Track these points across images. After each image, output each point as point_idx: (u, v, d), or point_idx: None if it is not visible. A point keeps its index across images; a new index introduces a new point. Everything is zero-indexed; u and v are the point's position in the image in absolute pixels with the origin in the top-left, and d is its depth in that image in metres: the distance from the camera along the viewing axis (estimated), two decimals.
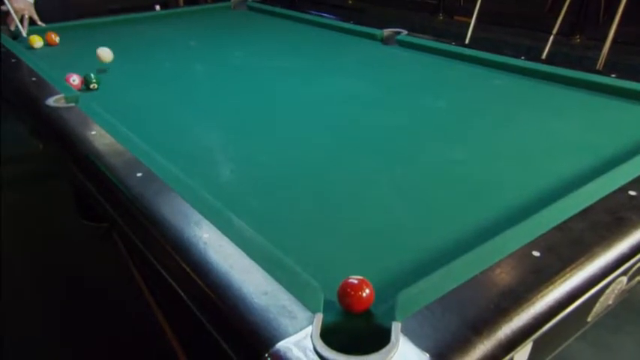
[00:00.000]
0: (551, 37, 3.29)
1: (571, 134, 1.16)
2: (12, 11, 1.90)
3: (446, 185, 0.96)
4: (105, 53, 1.61)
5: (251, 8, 2.65)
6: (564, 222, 0.74)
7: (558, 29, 3.36)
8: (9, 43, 1.74)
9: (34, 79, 1.37)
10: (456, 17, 4.44)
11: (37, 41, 1.80)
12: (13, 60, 1.53)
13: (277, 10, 2.52)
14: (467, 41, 3.18)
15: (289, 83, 1.58)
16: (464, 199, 0.90)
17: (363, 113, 1.33)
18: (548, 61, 1.60)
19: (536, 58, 1.64)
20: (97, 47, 1.62)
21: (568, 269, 0.65)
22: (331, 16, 2.36)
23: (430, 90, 1.49)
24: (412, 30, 2.00)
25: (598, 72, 1.45)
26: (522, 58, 1.58)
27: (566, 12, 3.39)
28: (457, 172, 1.01)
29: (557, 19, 3.36)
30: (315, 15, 2.38)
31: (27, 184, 2.58)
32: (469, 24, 3.61)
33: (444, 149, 1.11)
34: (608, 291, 0.71)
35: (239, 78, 1.63)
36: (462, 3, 4.91)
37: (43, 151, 1.31)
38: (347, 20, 2.24)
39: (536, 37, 3.61)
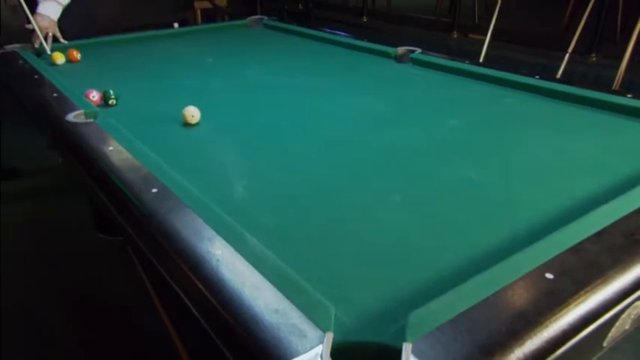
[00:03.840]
0: (567, 56, 3.28)
1: (586, 154, 1.15)
2: (37, 29, 1.96)
3: (459, 204, 0.96)
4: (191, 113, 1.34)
5: (267, 26, 2.69)
6: (579, 244, 0.73)
7: (574, 47, 3.35)
8: (33, 60, 1.79)
9: (55, 94, 1.41)
10: (470, 35, 4.46)
11: (60, 58, 1.86)
12: (36, 76, 1.58)
13: (293, 27, 2.56)
14: (481, 60, 3.19)
15: (303, 100, 1.59)
16: (477, 219, 0.90)
17: (377, 131, 1.34)
18: (564, 79, 1.60)
19: (551, 77, 1.64)
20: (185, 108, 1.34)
21: (582, 292, 0.64)
22: (346, 34, 2.39)
23: (444, 108, 1.50)
24: (426, 48, 2.01)
25: (614, 92, 1.44)
26: (536, 77, 1.58)
27: (583, 30, 3.38)
28: (470, 191, 1.01)
29: (573, 37, 3.35)
30: (330, 33, 2.41)
31: (46, 196, 2.63)
32: (484, 42, 3.61)
33: (457, 168, 1.11)
34: (624, 315, 0.70)
35: (255, 95, 1.65)
36: (476, 21, 4.92)
37: (63, 164, 1.34)
38: (361, 38, 2.27)
39: (551, 56, 3.61)
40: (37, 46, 1.99)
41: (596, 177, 1.02)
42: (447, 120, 1.40)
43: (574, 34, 3.37)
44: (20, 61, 1.75)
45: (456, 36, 4.53)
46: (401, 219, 0.91)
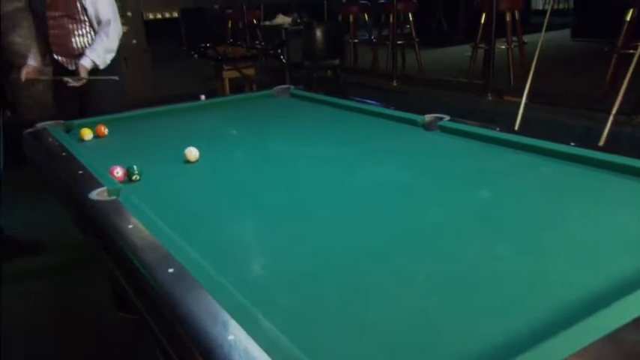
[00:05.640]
0: (611, 117, 3.28)
1: (628, 229, 1.14)
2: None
3: (487, 284, 0.96)
4: (192, 154, 1.74)
5: (294, 95, 2.83)
6: (616, 331, 0.72)
7: (618, 108, 3.35)
8: (62, 137, 1.94)
9: (80, 172, 1.51)
10: (505, 97, 4.53)
11: (87, 134, 2.01)
12: (63, 153, 1.71)
13: (319, 96, 2.69)
14: (516, 126, 3.22)
15: (327, 172, 1.65)
16: (505, 301, 0.89)
17: (401, 204, 1.37)
18: (605, 146, 1.60)
19: (590, 144, 1.64)
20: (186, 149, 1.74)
21: None
22: (373, 102, 2.48)
23: (473, 179, 1.52)
24: (460, 112, 2.06)
25: None
26: (572, 144, 1.59)
27: (627, 89, 3.39)
28: (499, 269, 1.01)
29: (617, 97, 3.36)
30: (357, 101, 2.52)
31: (67, 271, 2.72)
32: (520, 104, 3.67)
33: (487, 244, 1.12)
34: None
35: (278, 167, 1.72)
36: (511, 82, 5.02)
37: (85, 240, 1.42)
38: (388, 106, 2.35)
39: (595, 117, 3.61)
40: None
41: (638, 255, 1.01)
42: (477, 191, 1.42)
43: (617, 93, 3.39)
44: (50, 139, 1.90)
45: (490, 98, 4.61)
46: (424, 300, 0.92)
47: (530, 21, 8.47)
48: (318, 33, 5.52)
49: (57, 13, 2.71)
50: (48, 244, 2.91)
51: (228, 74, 5.05)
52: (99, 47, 2.72)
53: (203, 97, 2.73)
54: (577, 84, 4.92)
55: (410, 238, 1.17)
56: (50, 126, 2.08)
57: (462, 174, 1.57)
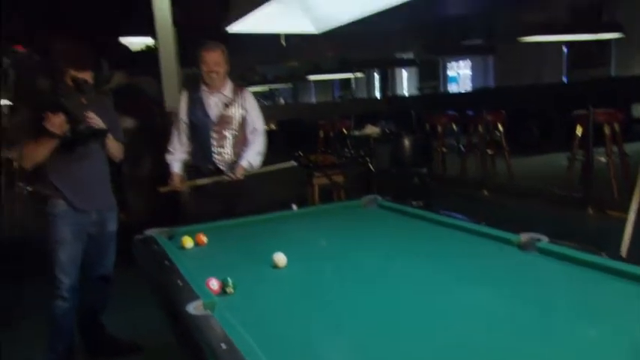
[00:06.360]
0: None
1: None
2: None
3: None
4: (280, 260, 1.87)
5: (381, 206, 2.87)
6: None
7: None
8: (166, 244, 2.09)
9: (180, 282, 1.60)
10: (608, 212, 4.24)
11: (188, 242, 2.15)
12: (166, 262, 1.83)
13: (407, 209, 2.69)
14: (624, 250, 2.95)
15: (417, 292, 1.61)
16: None
17: (496, 334, 1.28)
18: None
19: None
20: (274, 254, 1.88)
21: None
22: (462, 217, 2.44)
23: (577, 313, 1.40)
24: (558, 227, 1.96)
25: None
26: None
27: None
28: None
29: None
30: (446, 215, 2.48)
31: None
32: (626, 221, 3.39)
33: None
34: None
35: (366, 282, 1.72)
36: (615, 195, 4.73)
37: (179, 349, 1.46)
38: (479, 221, 2.29)
39: None
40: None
41: None
42: (582, 328, 1.30)
43: None
44: (155, 246, 2.06)
45: (591, 212, 4.34)
46: None
47: (633, 129, 8.07)
48: (406, 142, 5.67)
49: (220, 127, 3.18)
50: (146, 346, 3.00)
51: (319, 181, 5.25)
52: (254, 152, 3.21)
53: (295, 206, 2.85)
54: None
55: None
56: (156, 233, 2.26)
57: (564, 306, 1.46)
